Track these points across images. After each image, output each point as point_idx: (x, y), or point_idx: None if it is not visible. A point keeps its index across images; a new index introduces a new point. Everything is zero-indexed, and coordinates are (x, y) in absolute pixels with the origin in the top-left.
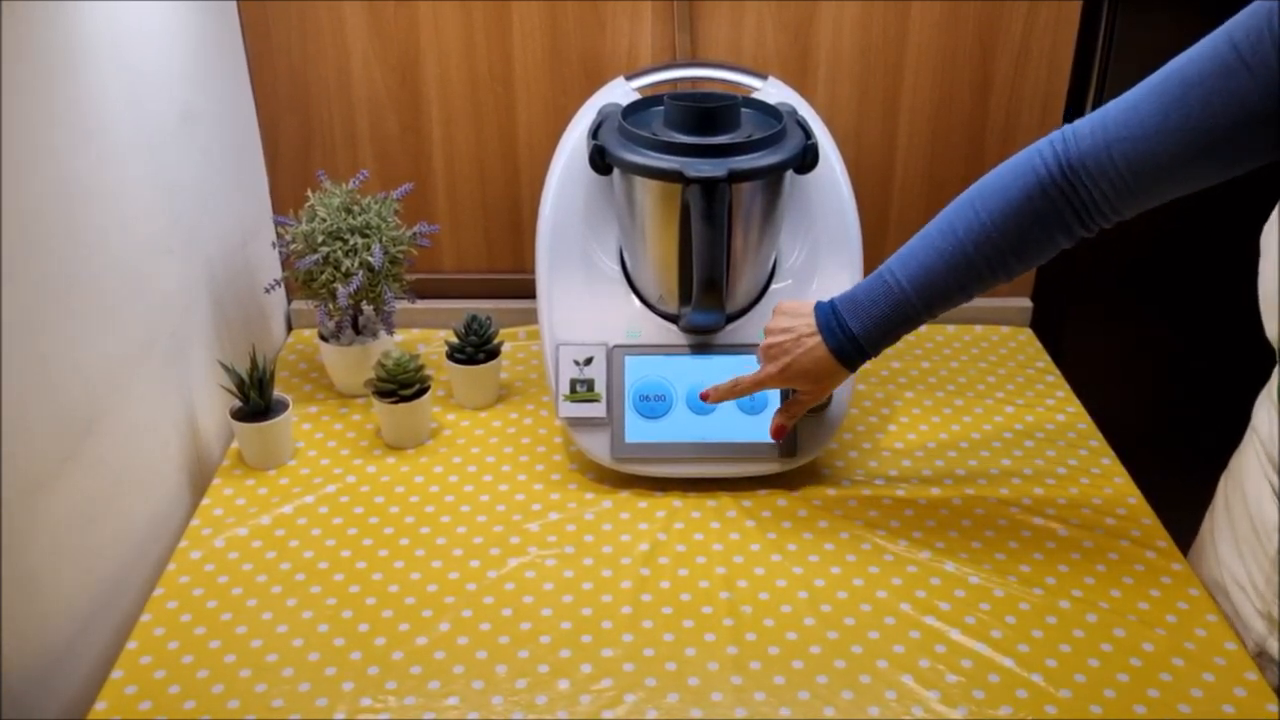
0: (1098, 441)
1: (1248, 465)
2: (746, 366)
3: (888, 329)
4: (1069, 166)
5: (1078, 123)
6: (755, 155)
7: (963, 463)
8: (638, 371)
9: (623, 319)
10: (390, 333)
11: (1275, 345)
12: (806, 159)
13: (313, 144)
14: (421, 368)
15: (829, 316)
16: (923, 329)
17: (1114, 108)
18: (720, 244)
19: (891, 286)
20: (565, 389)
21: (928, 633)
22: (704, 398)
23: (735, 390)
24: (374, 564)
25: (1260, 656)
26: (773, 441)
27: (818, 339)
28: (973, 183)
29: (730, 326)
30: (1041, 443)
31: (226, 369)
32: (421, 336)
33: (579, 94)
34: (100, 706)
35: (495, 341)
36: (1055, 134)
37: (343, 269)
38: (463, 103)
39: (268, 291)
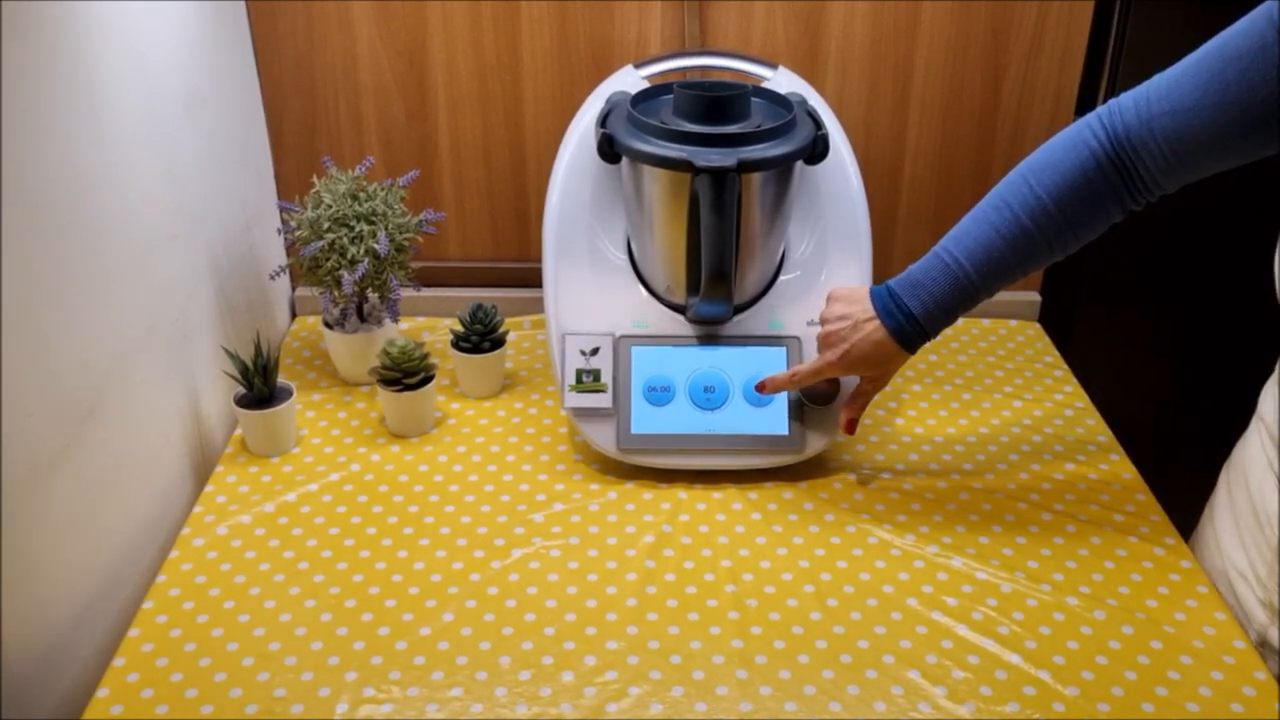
0: (1105, 437)
1: (1251, 453)
2: (754, 358)
3: (948, 308)
4: (1115, 141)
5: (1122, 97)
6: (765, 145)
7: (970, 457)
8: (644, 362)
9: (629, 309)
10: (395, 320)
11: None
12: (816, 149)
13: (318, 130)
14: (426, 356)
15: (886, 300)
16: None
17: (1156, 83)
18: (729, 234)
19: (949, 265)
20: (571, 379)
21: (935, 628)
22: (760, 388)
23: (793, 380)
24: (377, 553)
25: (1262, 646)
26: (778, 434)
27: (876, 323)
28: (983, 174)
29: (738, 318)
30: (1049, 438)
31: (230, 355)
32: (426, 325)
33: (587, 82)
34: (102, 693)
35: (500, 330)
36: (1101, 108)
37: (348, 256)
38: (470, 90)
39: (272, 278)
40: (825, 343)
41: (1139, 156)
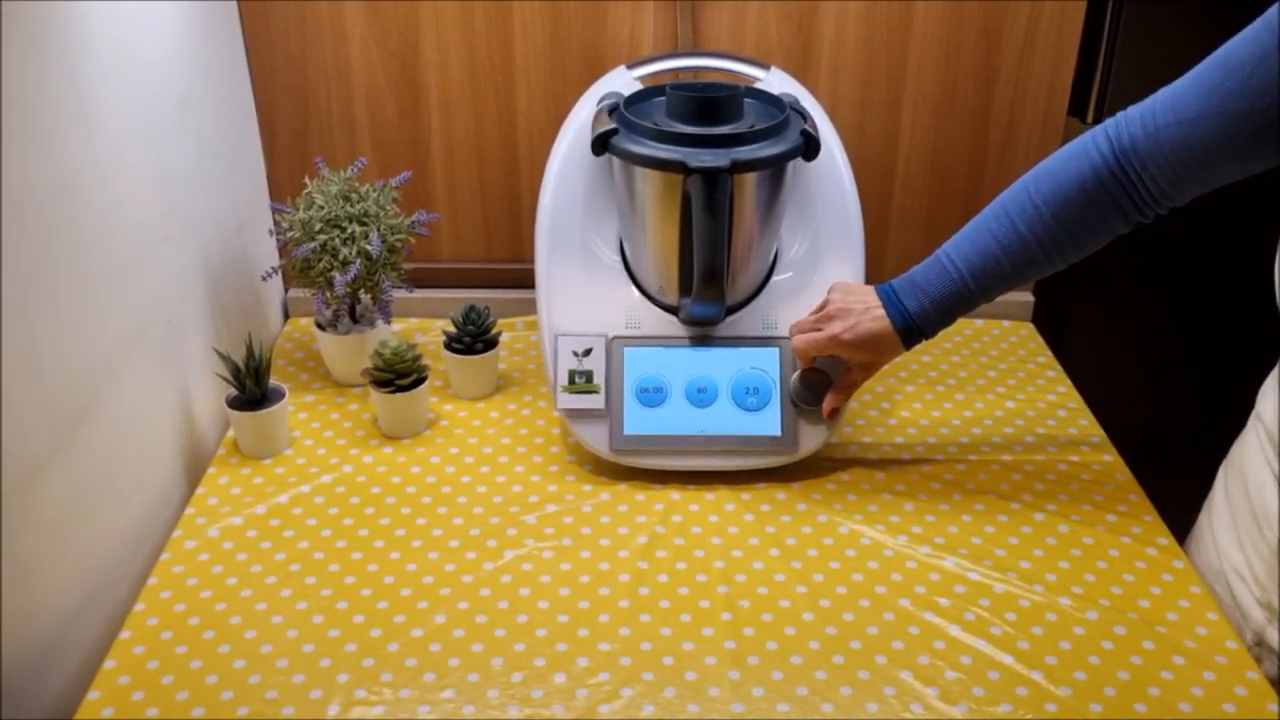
0: (1099, 438)
1: (1249, 453)
2: (747, 359)
3: (944, 309)
4: (1121, 153)
5: (1129, 110)
6: (758, 146)
7: (963, 458)
8: (637, 363)
9: (622, 310)
10: (388, 322)
11: None
12: (809, 150)
13: (310, 131)
14: (419, 357)
15: (890, 294)
16: None
17: (1162, 95)
18: (721, 235)
19: (947, 268)
20: (564, 380)
21: (927, 629)
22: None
23: (798, 349)
24: (369, 555)
25: (1259, 646)
26: (770, 434)
27: (882, 311)
28: (976, 174)
29: (730, 318)
30: (1042, 439)
31: (222, 357)
32: (419, 326)
33: (579, 83)
34: (93, 696)
35: (493, 331)
36: (1109, 121)
37: (340, 257)
38: (462, 91)
39: (264, 279)
40: (831, 316)
41: (1145, 168)
